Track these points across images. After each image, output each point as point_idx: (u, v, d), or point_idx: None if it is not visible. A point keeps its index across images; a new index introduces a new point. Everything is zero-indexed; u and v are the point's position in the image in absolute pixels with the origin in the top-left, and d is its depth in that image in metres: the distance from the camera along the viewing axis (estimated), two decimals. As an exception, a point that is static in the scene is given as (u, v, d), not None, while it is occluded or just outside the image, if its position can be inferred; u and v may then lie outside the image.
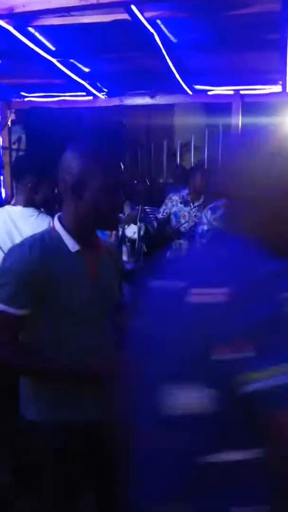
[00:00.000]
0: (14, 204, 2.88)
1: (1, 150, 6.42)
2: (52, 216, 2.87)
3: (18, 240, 2.67)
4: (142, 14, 3.89)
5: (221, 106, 6.13)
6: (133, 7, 3.68)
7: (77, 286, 1.74)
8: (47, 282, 1.69)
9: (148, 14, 4.02)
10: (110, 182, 1.72)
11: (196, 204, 5.21)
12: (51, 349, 1.74)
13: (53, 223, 1.82)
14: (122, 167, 1.87)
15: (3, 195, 6.50)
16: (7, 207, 2.93)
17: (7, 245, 2.70)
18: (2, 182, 6.42)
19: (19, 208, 2.83)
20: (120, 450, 1.86)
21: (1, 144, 6.38)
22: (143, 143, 8.09)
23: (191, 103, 6.90)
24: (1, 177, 6.43)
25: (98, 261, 1.83)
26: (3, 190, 6.52)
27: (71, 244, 1.76)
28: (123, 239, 4.60)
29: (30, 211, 2.80)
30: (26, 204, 2.82)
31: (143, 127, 7.84)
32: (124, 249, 4.60)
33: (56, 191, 2.87)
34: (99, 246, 1.87)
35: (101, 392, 1.68)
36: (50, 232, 1.79)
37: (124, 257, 4.48)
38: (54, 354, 1.75)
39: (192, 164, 6.85)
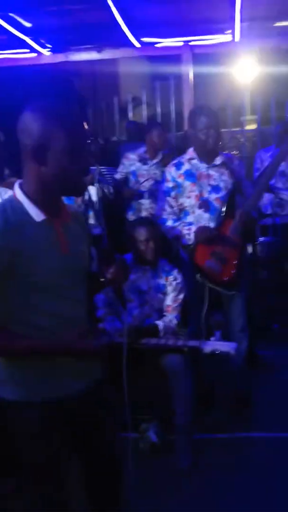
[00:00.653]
0: None
1: None
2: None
3: None
4: None
5: (171, 58, 6.01)
6: None
7: (46, 257, 1.64)
8: (13, 256, 1.58)
9: None
10: (74, 143, 1.59)
11: (154, 161, 5.14)
12: (24, 326, 1.66)
13: (13, 192, 1.68)
14: (86, 126, 1.73)
15: None
16: None
17: None
18: None
19: None
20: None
21: None
22: (92, 100, 7.90)
23: (139, 57, 6.75)
24: None
25: (66, 229, 1.72)
26: None
27: (36, 214, 1.64)
28: (89, 203, 4.51)
29: None
30: None
31: (90, 83, 7.63)
32: (91, 213, 4.51)
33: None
34: (66, 213, 1.75)
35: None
36: (12, 202, 1.65)
37: (92, 222, 4.40)
38: (29, 330, 1.67)
39: (145, 120, 6.75)
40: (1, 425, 1.75)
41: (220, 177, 3.30)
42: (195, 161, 3.30)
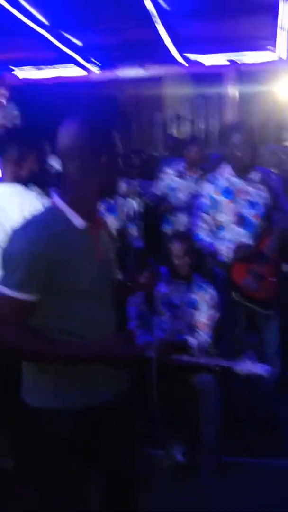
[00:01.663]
0: (1, 182, 2.70)
1: (-6, 126, 6.30)
2: (44, 192, 2.81)
3: (6, 223, 2.60)
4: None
5: (215, 76, 6.03)
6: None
7: (85, 264, 1.69)
8: (57, 264, 1.62)
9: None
10: (110, 152, 1.69)
11: (194, 176, 5.16)
12: (60, 333, 1.69)
13: (52, 200, 1.74)
14: (118, 138, 1.83)
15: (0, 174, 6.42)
16: None
17: None
18: None
19: (3, 187, 2.67)
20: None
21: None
22: (136, 116, 7.99)
23: (183, 74, 6.80)
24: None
25: (101, 237, 1.79)
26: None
27: (78, 221, 1.69)
28: (131, 216, 4.54)
29: (15, 188, 2.64)
30: (12, 181, 2.65)
31: (134, 99, 7.72)
32: (134, 227, 4.54)
33: (44, 165, 2.74)
34: (101, 220, 1.83)
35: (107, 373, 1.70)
36: (52, 210, 1.71)
37: (134, 234, 4.42)
38: (65, 336, 1.69)
39: (187, 135, 6.78)
40: (27, 432, 1.78)
41: (257, 193, 3.26)
42: (231, 177, 3.28)
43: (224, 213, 3.27)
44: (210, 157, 6.23)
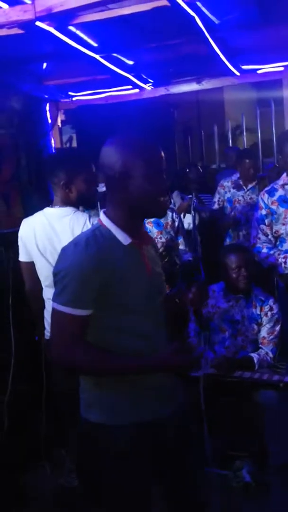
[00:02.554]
0: (52, 206, 2.79)
1: (53, 150, 6.48)
2: (94, 212, 2.85)
3: (57, 243, 2.67)
4: (181, -3, 3.79)
5: (271, 84, 5.93)
6: (171, -8, 3.59)
7: (134, 279, 1.73)
8: (107, 278, 1.68)
9: (187, -3, 3.92)
10: (152, 168, 1.71)
11: (249, 186, 5.08)
12: (116, 346, 1.73)
13: (99, 218, 1.80)
14: (162, 153, 1.85)
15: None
16: (45, 209, 2.84)
17: (47, 250, 2.69)
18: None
19: (55, 209, 2.74)
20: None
21: (53, 145, 6.44)
22: (194, 129, 7.97)
23: (239, 84, 6.73)
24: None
25: (147, 253, 1.82)
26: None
27: (123, 238, 1.74)
28: (180, 229, 4.55)
29: (65, 210, 2.70)
30: (63, 204, 2.73)
31: (192, 113, 7.71)
32: (181, 240, 4.55)
33: (93, 186, 2.79)
34: (147, 236, 1.87)
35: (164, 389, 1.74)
36: (100, 228, 1.77)
37: (181, 248, 4.43)
38: (118, 350, 1.73)
39: (246, 146, 6.69)
40: (87, 447, 1.79)
41: None
42: (287, 186, 3.20)
43: (282, 223, 3.19)
44: (266, 166, 6.15)
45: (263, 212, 3.25)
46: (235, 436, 2.69)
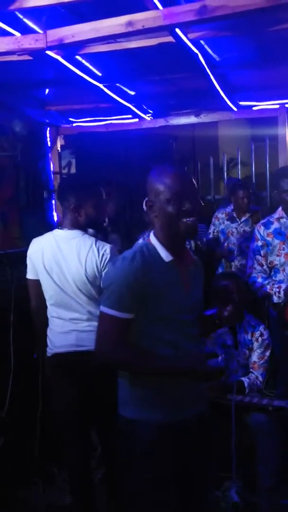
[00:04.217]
0: (62, 228, 2.90)
1: (52, 175, 6.61)
2: (102, 237, 2.95)
3: (63, 264, 2.77)
4: (186, 36, 3.98)
5: (267, 120, 6.14)
6: (177, 30, 3.77)
7: (171, 293, 1.96)
8: (147, 288, 1.92)
9: (192, 35, 4.11)
10: (170, 194, 1.97)
11: (243, 219, 5.22)
12: (146, 349, 1.95)
13: (148, 238, 2.07)
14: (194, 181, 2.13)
15: (55, 219, 6.68)
16: (54, 231, 2.96)
17: (54, 270, 2.78)
18: (54, 206, 6.60)
19: (64, 231, 2.85)
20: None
21: (52, 169, 6.57)
22: (189, 160, 8.18)
23: (234, 120, 6.95)
24: (53, 201, 6.61)
25: (188, 272, 2.06)
26: (55, 214, 6.70)
27: (165, 255, 1.99)
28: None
29: (73, 233, 2.81)
30: (72, 227, 2.83)
31: (188, 145, 7.93)
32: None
33: (101, 211, 2.89)
34: (189, 257, 2.11)
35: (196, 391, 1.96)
36: (147, 245, 2.04)
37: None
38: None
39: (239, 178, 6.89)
40: (120, 442, 2.04)
41: None
42: (284, 220, 3.35)
43: (276, 254, 3.32)
44: (259, 199, 6.33)
45: (259, 243, 3.39)
46: (225, 457, 2.75)
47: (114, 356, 1.93)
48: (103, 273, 2.69)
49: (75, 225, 2.83)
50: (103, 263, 2.69)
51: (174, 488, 1.95)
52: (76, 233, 2.81)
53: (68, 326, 2.76)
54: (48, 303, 2.84)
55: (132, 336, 1.95)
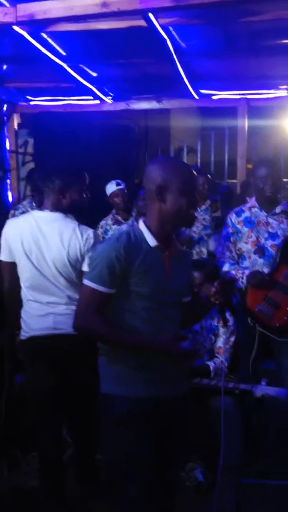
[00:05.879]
0: (42, 209, 2.85)
1: (8, 153, 6.46)
2: (82, 221, 2.94)
3: (43, 246, 2.73)
4: (157, 21, 3.97)
5: (227, 110, 6.23)
6: (150, 14, 3.77)
7: (152, 274, 2.05)
8: (129, 266, 2.01)
9: (162, 21, 4.10)
10: (186, 186, 2.06)
11: (203, 207, 5.29)
12: (126, 325, 2.05)
13: (137, 224, 2.15)
14: (195, 173, 2.24)
15: (10, 199, 6.55)
16: (34, 212, 2.89)
17: (33, 252, 2.73)
18: (9, 186, 6.46)
19: (45, 213, 2.79)
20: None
21: (8, 147, 6.42)
22: (148, 147, 8.19)
23: (190, 108, 7.01)
24: (8, 180, 6.47)
25: (172, 258, 2.13)
26: (10, 194, 6.56)
27: (151, 240, 2.08)
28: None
29: (55, 215, 2.77)
30: (53, 209, 2.80)
31: (147, 131, 7.93)
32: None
33: (84, 196, 2.88)
34: (175, 246, 2.18)
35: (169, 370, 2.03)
36: (135, 230, 2.12)
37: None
38: (129, 329, 2.05)
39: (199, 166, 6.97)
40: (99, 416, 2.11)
41: (279, 226, 3.42)
42: (255, 209, 3.44)
43: (244, 242, 3.42)
44: (218, 188, 6.43)
45: (230, 230, 3.47)
46: (189, 438, 2.82)
47: (90, 326, 2.05)
48: (85, 257, 2.67)
49: (57, 208, 2.79)
50: (87, 247, 2.67)
51: (149, 461, 2.05)
52: (58, 215, 2.78)
53: (45, 309, 2.73)
54: (23, 285, 2.79)
55: (113, 311, 2.05)
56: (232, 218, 3.49)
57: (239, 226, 3.45)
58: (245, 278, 3.33)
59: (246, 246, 3.42)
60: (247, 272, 3.34)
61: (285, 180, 6.89)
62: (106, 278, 2.02)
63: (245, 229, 3.43)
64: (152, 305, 2.07)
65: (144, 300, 2.05)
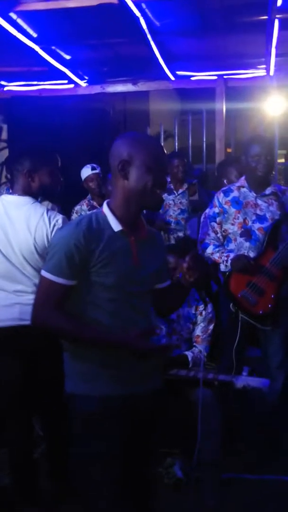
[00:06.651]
0: (12, 193, 2.72)
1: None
2: (53, 204, 2.79)
3: (11, 232, 2.60)
4: (129, -3, 3.81)
5: (204, 92, 6.08)
6: (121, -10, 3.60)
7: (117, 262, 1.87)
8: (90, 255, 1.84)
9: (135, -2, 3.94)
10: (153, 161, 1.88)
11: (180, 191, 5.17)
12: (91, 319, 1.89)
13: (101, 207, 1.96)
14: (165, 150, 2.06)
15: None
16: (3, 196, 2.78)
17: (0, 239, 2.61)
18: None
19: (14, 197, 2.67)
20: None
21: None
22: (124, 130, 8.01)
23: (168, 90, 6.84)
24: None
25: (140, 243, 1.95)
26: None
27: (115, 224, 1.90)
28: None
29: (25, 199, 2.64)
30: (23, 193, 2.66)
31: (123, 114, 7.74)
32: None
33: (56, 180, 2.75)
34: (143, 231, 1.99)
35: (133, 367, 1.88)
36: (98, 214, 1.94)
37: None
38: (92, 323, 1.89)
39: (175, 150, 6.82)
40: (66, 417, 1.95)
41: (268, 208, 3.26)
42: (244, 189, 3.29)
43: (231, 223, 3.27)
44: (194, 172, 6.30)
45: (216, 210, 3.32)
46: (167, 433, 2.72)
47: (50, 322, 1.90)
48: None
49: (27, 191, 2.65)
50: (54, 234, 2.54)
51: (117, 463, 1.90)
52: (27, 199, 2.64)
53: (11, 299, 2.59)
54: None
55: (74, 303, 1.89)
56: (220, 197, 3.34)
57: (226, 206, 3.30)
58: (229, 261, 3.19)
59: (232, 227, 3.28)
60: (231, 255, 3.20)
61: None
62: (65, 269, 1.85)
63: (232, 210, 3.28)
64: (118, 297, 1.89)
65: (108, 292, 1.88)
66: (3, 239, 2.60)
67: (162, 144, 7.00)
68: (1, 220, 2.61)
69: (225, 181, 3.95)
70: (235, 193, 3.30)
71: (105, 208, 1.94)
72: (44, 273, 1.90)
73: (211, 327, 3.19)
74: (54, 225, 2.58)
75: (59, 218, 2.62)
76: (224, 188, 3.40)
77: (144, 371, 1.92)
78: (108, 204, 1.95)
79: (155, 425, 2.06)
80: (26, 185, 2.68)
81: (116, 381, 1.90)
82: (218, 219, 3.31)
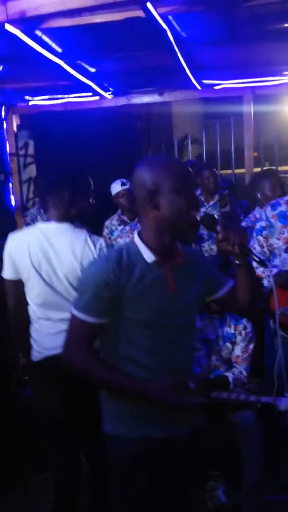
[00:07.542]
0: (48, 220, 2.70)
1: (8, 156, 6.29)
2: (87, 224, 2.79)
3: (54, 260, 2.58)
4: (156, 10, 3.77)
5: (231, 99, 6.03)
6: (148, 4, 3.57)
7: (152, 296, 1.78)
8: (121, 291, 1.76)
9: (162, 10, 3.90)
10: (180, 183, 1.77)
11: (211, 203, 5.10)
12: (124, 360, 1.79)
13: (132, 236, 1.88)
14: (190, 170, 1.93)
15: (13, 202, 6.39)
16: (39, 224, 2.77)
17: (43, 267, 2.59)
18: (11, 189, 6.30)
19: (53, 224, 2.66)
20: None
21: (8, 150, 6.25)
22: (152, 140, 7.98)
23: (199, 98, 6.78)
24: (10, 184, 6.31)
25: (177, 270, 1.85)
26: (12, 197, 6.41)
27: (147, 255, 1.81)
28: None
29: (65, 226, 2.64)
30: (61, 219, 2.66)
31: (151, 124, 7.70)
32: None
33: (92, 203, 2.75)
34: (179, 256, 1.88)
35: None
36: (129, 246, 1.86)
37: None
38: (128, 365, 1.78)
39: (203, 158, 6.76)
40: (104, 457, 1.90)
41: None
42: None
43: (276, 237, 3.21)
44: (221, 183, 6.23)
45: (263, 224, 3.28)
46: (209, 455, 2.65)
47: (79, 363, 1.81)
48: None
49: (65, 218, 2.65)
50: (85, 268, 2.52)
51: (162, 504, 1.82)
52: (67, 226, 2.64)
53: (58, 327, 2.56)
54: (32, 303, 2.63)
55: (110, 341, 1.81)
56: (267, 211, 3.28)
57: (272, 220, 3.24)
58: (271, 277, 3.12)
59: (277, 242, 3.22)
60: (274, 271, 3.14)
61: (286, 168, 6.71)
62: (94, 307, 1.78)
63: (278, 224, 3.22)
64: (154, 333, 1.78)
65: (143, 328, 1.77)
66: (47, 268, 2.59)
67: (189, 150, 6.96)
68: (43, 249, 2.59)
69: (258, 194, 3.88)
70: (283, 207, 3.24)
71: (137, 239, 1.84)
72: (74, 311, 1.81)
73: (251, 346, 3.12)
74: (100, 249, 2.58)
75: (102, 242, 2.63)
76: (273, 202, 3.34)
77: (181, 412, 1.82)
78: (139, 235, 1.84)
79: (199, 463, 1.98)
80: (65, 213, 2.67)
81: (154, 423, 1.80)
82: (264, 233, 3.25)
